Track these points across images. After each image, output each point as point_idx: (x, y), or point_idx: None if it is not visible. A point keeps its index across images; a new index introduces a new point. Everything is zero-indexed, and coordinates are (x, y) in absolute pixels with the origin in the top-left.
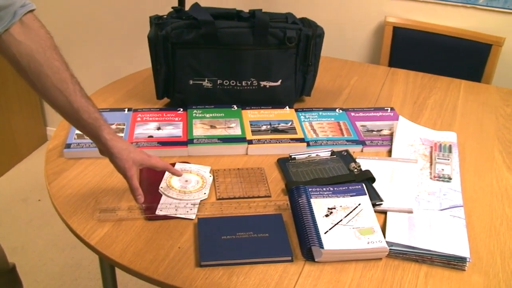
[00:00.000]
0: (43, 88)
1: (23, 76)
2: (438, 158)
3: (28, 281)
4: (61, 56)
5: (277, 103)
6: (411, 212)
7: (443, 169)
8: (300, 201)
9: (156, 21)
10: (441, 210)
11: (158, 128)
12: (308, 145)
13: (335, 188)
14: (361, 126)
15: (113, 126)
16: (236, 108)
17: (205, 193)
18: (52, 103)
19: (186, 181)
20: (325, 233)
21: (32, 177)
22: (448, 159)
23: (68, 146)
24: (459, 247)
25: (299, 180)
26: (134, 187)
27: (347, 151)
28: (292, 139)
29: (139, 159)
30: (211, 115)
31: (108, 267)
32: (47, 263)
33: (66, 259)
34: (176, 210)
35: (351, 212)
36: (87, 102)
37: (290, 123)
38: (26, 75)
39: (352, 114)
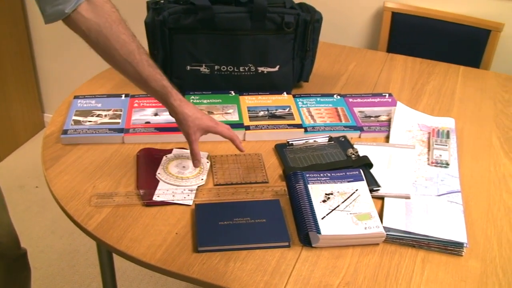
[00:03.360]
0: (113, 60)
1: (94, 49)
2: (436, 144)
3: None
4: (127, 29)
5: (275, 89)
6: (408, 197)
7: (440, 155)
8: (297, 187)
9: (153, 6)
10: (439, 195)
11: (156, 114)
12: (306, 131)
13: (332, 174)
14: (359, 112)
15: (110, 112)
16: (233, 94)
17: (202, 179)
18: (122, 73)
19: (184, 167)
20: (322, 218)
21: (29, 164)
22: (446, 145)
23: (65, 132)
24: (456, 232)
25: (297, 166)
26: (194, 152)
27: (344, 137)
28: (289, 125)
29: (204, 126)
30: (208, 101)
31: (106, 253)
32: (45, 250)
33: (64, 245)
34: (173, 196)
35: (348, 197)
36: (155, 71)
37: (288, 109)
38: (96, 48)
39: (350, 100)
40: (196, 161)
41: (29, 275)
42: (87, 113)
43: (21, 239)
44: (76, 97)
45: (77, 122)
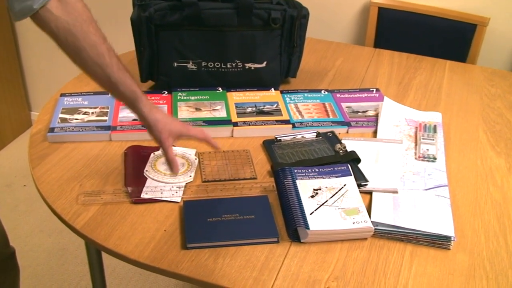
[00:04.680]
0: (81, 62)
1: (63, 50)
2: (423, 138)
3: None
4: (98, 30)
5: (262, 85)
6: (396, 192)
7: (428, 149)
8: (285, 183)
9: (139, 3)
10: (426, 190)
11: None
12: (294, 126)
13: (320, 169)
14: (347, 107)
15: (97, 110)
16: (221, 90)
17: (190, 176)
18: (91, 76)
19: None
20: (310, 214)
21: (17, 163)
22: (433, 139)
23: (51, 130)
24: (444, 226)
25: (285, 162)
26: (169, 158)
27: (332, 132)
28: (277, 121)
29: (176, 130)
30: (196, 97)
31: (94, 251)
32: (33, 249)
33: (52, 244)
34: (161, 193)
35: (336, 193)
36: (124, 75)
37: (276, 105)
38: (65, 48)
39: (338, 95)
40: (174, 167)
41: (17, 275)
42: (73, 111)
43: (9, 238)
44: (62, 94)
45: (63, 120)
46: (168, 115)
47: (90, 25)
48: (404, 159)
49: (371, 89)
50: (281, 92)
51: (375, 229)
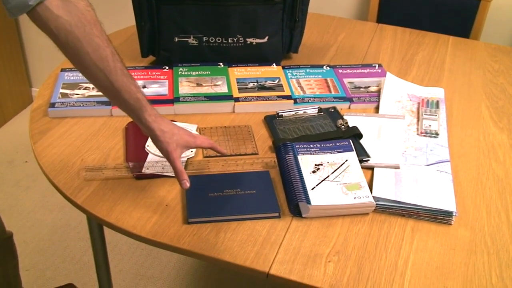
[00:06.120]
0: (83, 65)
1: (63, 52)
2: (425, 114)
3: (16, 242)
4: (102, 32)
5: (264, 60)
6: (398, 167)
7: (430, 125)
8: (287, 158)
9: None
10: (428, 165)
11: (144, 87)
12: (295, 102)
13: (322, 145)
14: (349, 83)
15: None
16: (222, 65)
17: (192, 151)
18: (92, 81)
19: None
20: (312, 189)
21: (18, 139)
22: (435, 115)
23: (52, 105)
24: (446, 201)
25: (287, 137)
26: (178, 171)
27: (334, 108)
28: (279, 97)
29: (183, 141)
30: (197, 73)
31: (96, 226)
32: (36, 224)
33: (54, 220)
34: (163, 168)
35: (338, 168)
36: (129, 81)
37: (277, 80)
38: (65, 50)
39: (340, 71)
40: (184, 181)
41: (16, 264)
42: (74, 85)
43: (11, 214)
44: (63, 69)
45: (64, 95)
46: (174, 124)
47: (94, 26)
48: (406, 135)
49: (373, 65)
50: (283, 67)
51: (376, 204)
